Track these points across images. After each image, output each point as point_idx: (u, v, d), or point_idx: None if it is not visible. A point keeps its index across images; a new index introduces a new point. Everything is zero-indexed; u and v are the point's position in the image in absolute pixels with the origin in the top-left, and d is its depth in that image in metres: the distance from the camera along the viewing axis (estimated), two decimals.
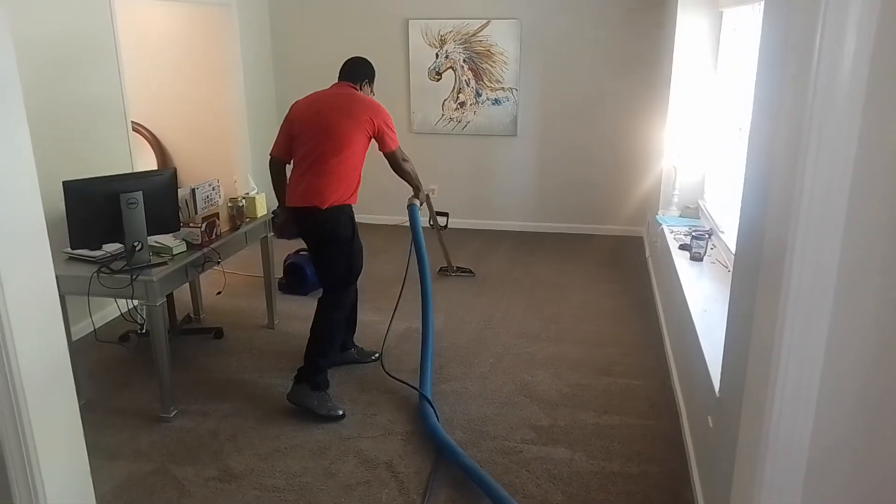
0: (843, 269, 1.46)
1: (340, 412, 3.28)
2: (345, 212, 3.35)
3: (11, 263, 1.94)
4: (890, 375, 1.48)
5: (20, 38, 1.92)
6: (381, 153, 3.44)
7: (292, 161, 3.39)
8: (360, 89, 3.46)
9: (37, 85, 3.76)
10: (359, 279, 3.54)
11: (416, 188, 3.76)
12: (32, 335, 2.04)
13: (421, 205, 3.86)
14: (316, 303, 3.41)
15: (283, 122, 3.41)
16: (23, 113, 1.95)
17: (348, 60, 3.52)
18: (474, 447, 3.02)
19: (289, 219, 3.42)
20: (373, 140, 3.36)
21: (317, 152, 3.25)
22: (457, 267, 5.21)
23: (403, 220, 6.38)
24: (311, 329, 3.38)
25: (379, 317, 4.27)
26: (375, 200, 6.49)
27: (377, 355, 3.81)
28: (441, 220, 4.96)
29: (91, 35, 4.20)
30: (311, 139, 3.27)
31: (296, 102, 3.42)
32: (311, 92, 3.44)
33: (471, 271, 5.21)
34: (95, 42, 4.23)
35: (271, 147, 3.44)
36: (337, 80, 3.47)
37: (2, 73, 1.88)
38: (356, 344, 3.86)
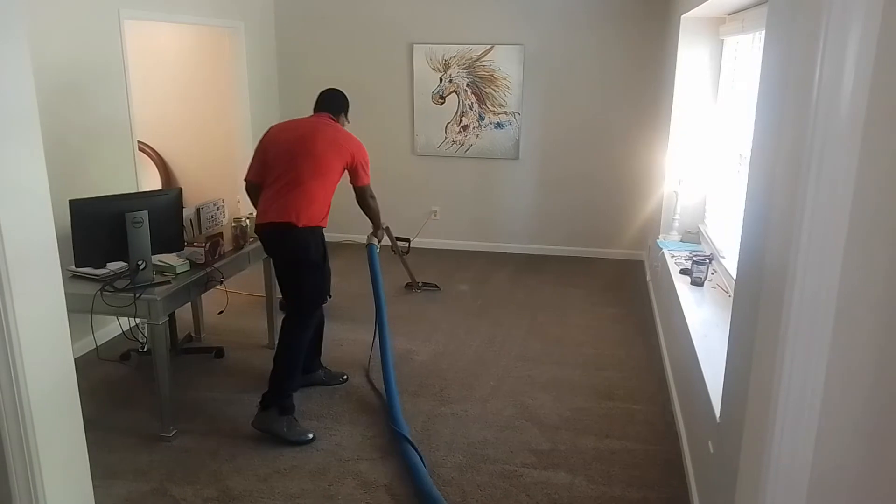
0: (844, 296, 1.47)
1: (311, 436, 3.25)
2: (317, 233, 3.38)
3: (23, 282, 1.96)
4: (890, 401, 1.48)
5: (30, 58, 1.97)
6: (352, 186, 3.55)
7: (264, 183, 3.40)
8: (338, 121, 3.57)
9: (44, 104, 3.79)
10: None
11: (377, 226, 3.89)
12: (41, 353, 2.06)
13: (380, 241, 3.99)
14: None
15: (258, 147, 3.47)
16: (39, 138, 2.00)
17: (325, 92, 3.63)
18: (474, 471, 3.01)
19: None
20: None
21: (295, 173, 3.29)
22: (422, 283, 5.35)
23: (401, 242, 6.45)
24: (276, 353, 3.34)
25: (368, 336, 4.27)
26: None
27: (345, 377, 3.82)
28: (402, 245, 5.06)
29: (100, 55, 4.25)
30: (292, 161, 3.31)
31: (271, 128, 3.51)
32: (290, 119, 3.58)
33: (436, 286, 5.36)
34: (104, 62, 4.29)
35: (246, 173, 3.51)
36: (315, 110, 3.56)
37: (21, 102, 1.95)
38: (324, 365, 3.84)
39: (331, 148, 3.36)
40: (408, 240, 5.28)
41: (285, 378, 3.30)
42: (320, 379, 3.77)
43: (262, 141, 3.46)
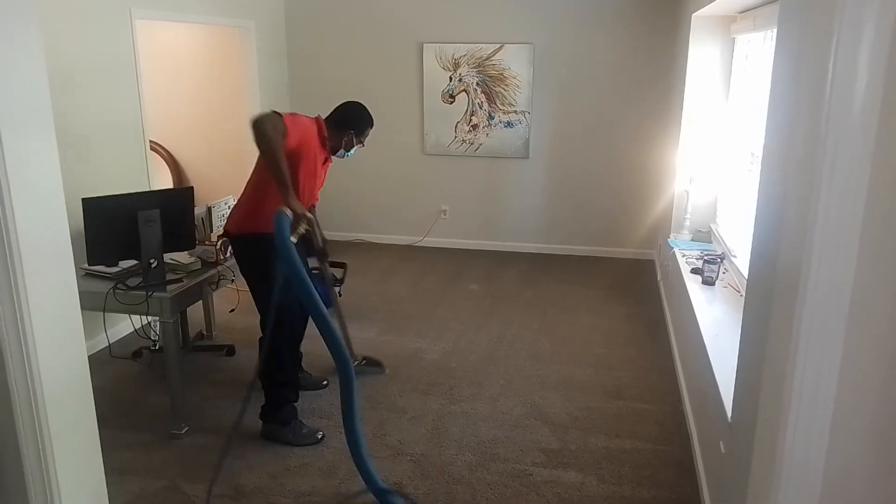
0: (857, 295, 1.46)
1: (320, 435, 3.25)
2: (239, 242, 3.25)
3: (37, 280, 1.98)
4: None
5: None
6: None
7: None
8: (343, 137, 3.23)
9: (57, 103, 3.82)
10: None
11: (286, 197, 2.74)
12: (55, 350, 2.08)
13: (295, 231, 2.69)
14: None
15: None
16: (52, 136, 2.02)
17: (346, 103, 3.32)
18: (484, 469, 3.01)
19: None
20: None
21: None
22: (363, 357, 3.89)
23: (416, 239, 6.48)
24: (259, 371, 3.25)
25: (392, 336, 4.28)
26: (385, 220, 6.55)
27: (325, 382, 3.74)
28: (335, 272, 3.66)
29: (112, 55, 4.28)
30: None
31: None
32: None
33: (380, 364, 3.89)
34: (116, 61, 4.32)
35: None
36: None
37: (35, 101, 1.96)
38: (304, 369, 3.76)
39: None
40: (343, 265, 3.73)
41: (274, 393, 3.27)
42: (300, 385, 3.67)
43: None
